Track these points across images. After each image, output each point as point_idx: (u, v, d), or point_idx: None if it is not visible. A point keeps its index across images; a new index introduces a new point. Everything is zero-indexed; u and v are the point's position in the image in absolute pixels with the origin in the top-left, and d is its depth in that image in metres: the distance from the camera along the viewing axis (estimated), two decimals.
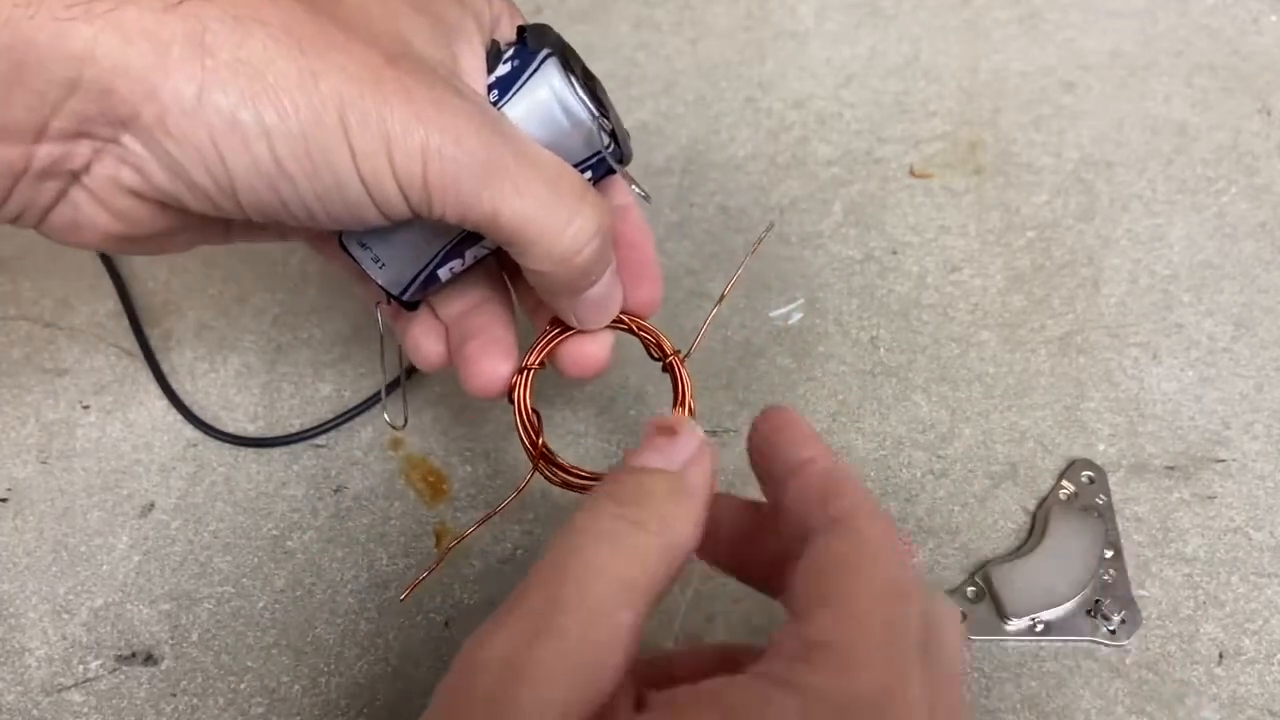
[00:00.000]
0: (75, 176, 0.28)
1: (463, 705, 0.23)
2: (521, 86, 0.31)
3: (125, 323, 0.47)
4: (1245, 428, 0.43)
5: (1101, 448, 0.42)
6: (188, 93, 0.26)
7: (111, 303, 0.48)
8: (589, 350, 0.36)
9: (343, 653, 0.39)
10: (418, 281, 0.33)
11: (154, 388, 0.46)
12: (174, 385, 0.46)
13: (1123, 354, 0.45)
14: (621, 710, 0.24)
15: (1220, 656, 0.38)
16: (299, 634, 0.40)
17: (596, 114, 0.31)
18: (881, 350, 0.46)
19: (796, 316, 0.46)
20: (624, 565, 0.25)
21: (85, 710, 0.38)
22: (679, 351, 0.36)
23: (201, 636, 0.40)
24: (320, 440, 0.44)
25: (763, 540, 0.30)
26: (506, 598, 0.24)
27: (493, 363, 0.35)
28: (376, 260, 0.33)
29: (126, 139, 0.27)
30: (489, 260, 0.35)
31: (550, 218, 0.30)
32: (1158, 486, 0.41)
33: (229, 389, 0.46)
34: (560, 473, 0.34)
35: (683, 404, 0.35)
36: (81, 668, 0.39)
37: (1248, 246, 0.48)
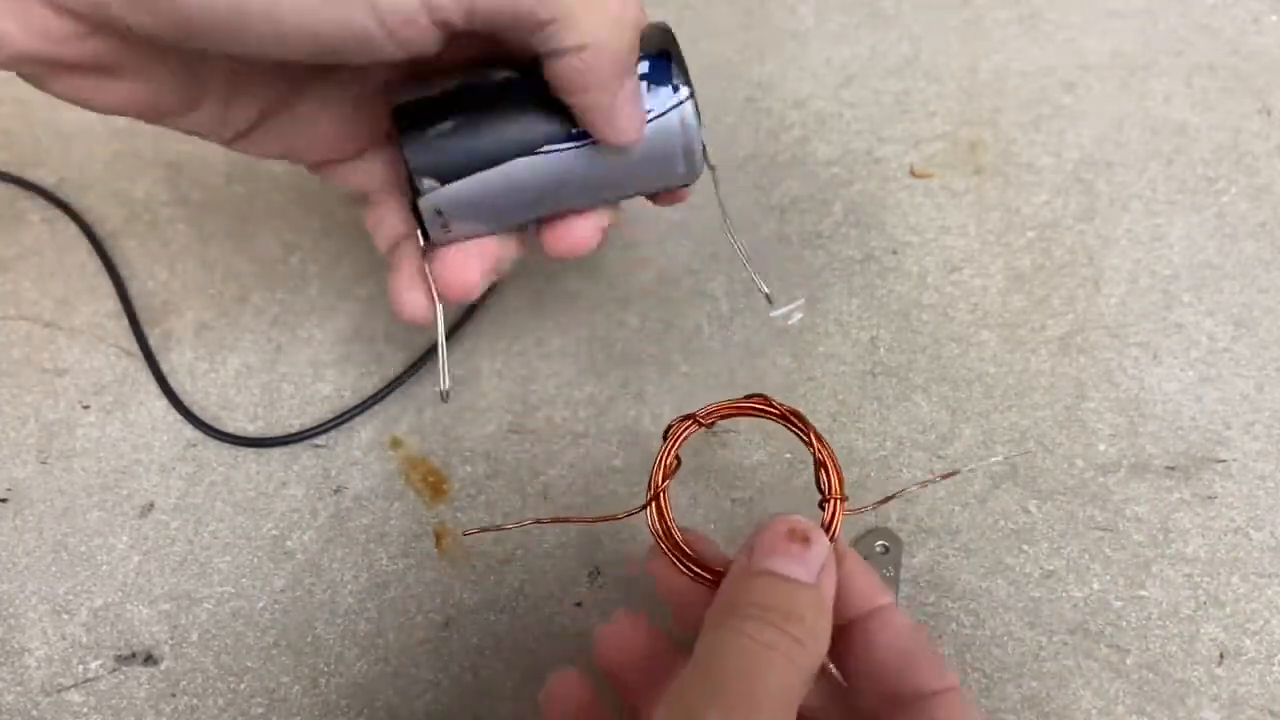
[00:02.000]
0: None
1: None
2: (659, 117, 0.32)
3: (125, 323, 0.47)
4: (1246, 428, 0.43)
5: (1102, 448, 0.42)
6: None
7: (111, 303, 0.48)
8: (581, 228, 0.34)
9: (343, 653, 0.39)
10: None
11: (154, 388, 0.46)
12: (174, 385, 0.46)
13: (1123, 354, 0.45)
14: None
15: (1221, 657, 0.38)
16: (299, 634, 0.40)
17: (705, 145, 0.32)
18: (881, 350, 0.46)
19: (797, 317, 0.46)
20: (791, 684, 0.26)
21: (85, 710, 0.38)
22: (812, 428, 0.32)
23: (201, 636, 0.40)
24: (320, 440, 0.44)
25: None
26: (666, 697, 0.25)
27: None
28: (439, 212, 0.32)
29: None
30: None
31: (620, 31, 0.28)
32: (1158, 486, 0.41)
33: (229, 389, 0.46)
34: (691, 567, 0.32)
35: (835, 497, 0.31)
36: (81, 668, 0.39)
37: (1248, 246, 0.48)
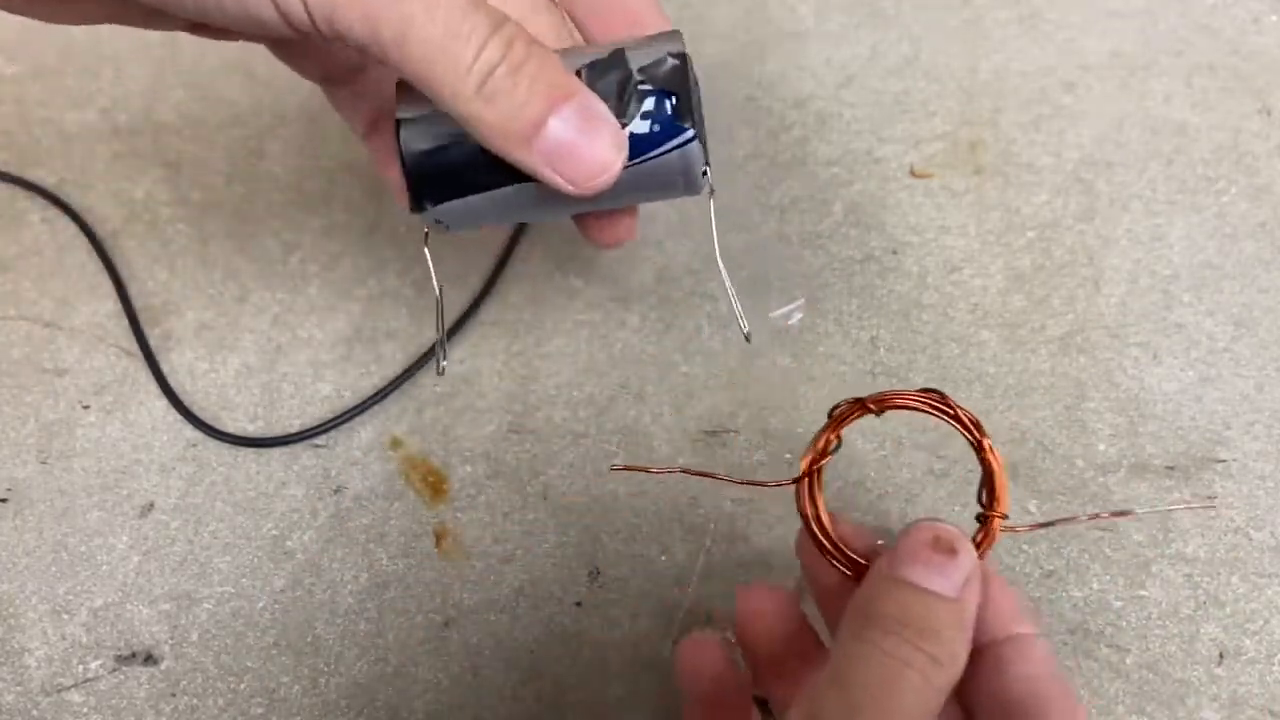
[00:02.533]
0: None
1: None
2: (656, 157, 0.31)
3: (125, 323, 0.47)
4: (1246, 428, 0.43)
5: (1102, 448, 0.42)
6: None
7: (111, 303, 0.48)
8: (625, 225, 0.34)
9: (343, 653, 0.39)
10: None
11: (154, 388, 0.46)
12: (174, 385, 0.46)
13: (1123, 354, 0.45)
14: None
15: (1221, 657, 0.38)
16: (299, 634, 0.40)
17: (709, 169, 0.31)
18: (881, 350, 0.45)
19: (797, 316, 0.46)
20: (926, 703, 0.25)
21: (85, 710, 0.38)
22: (988, 437, 0.31)
23: (201, 636, 0.40)
24: (320, 440, 0.44)
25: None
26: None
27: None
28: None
29: None
30: None
31: (460, 45, 0.27)
32: (1158, 487, 0.41)
33: (229, 389, 0.46)
34: (836, 555, 0.31)
35: (996, 514, 0.30)
36: (81, 668, 0.39)
37: (1248, 246, 0.48)
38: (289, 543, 0.42)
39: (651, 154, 0.31)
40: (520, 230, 0.49)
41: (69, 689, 0.39)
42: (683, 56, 0.31)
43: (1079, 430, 0.43)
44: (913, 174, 0.51)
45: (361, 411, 0.45)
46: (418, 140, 0.31)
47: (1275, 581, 0.39)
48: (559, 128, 0.28)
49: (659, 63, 0.31)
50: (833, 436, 0.31)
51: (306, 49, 0.35)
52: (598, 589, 0.41)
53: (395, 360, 0.46)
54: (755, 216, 0.50)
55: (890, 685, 0.25)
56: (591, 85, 0.30)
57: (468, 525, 0.42)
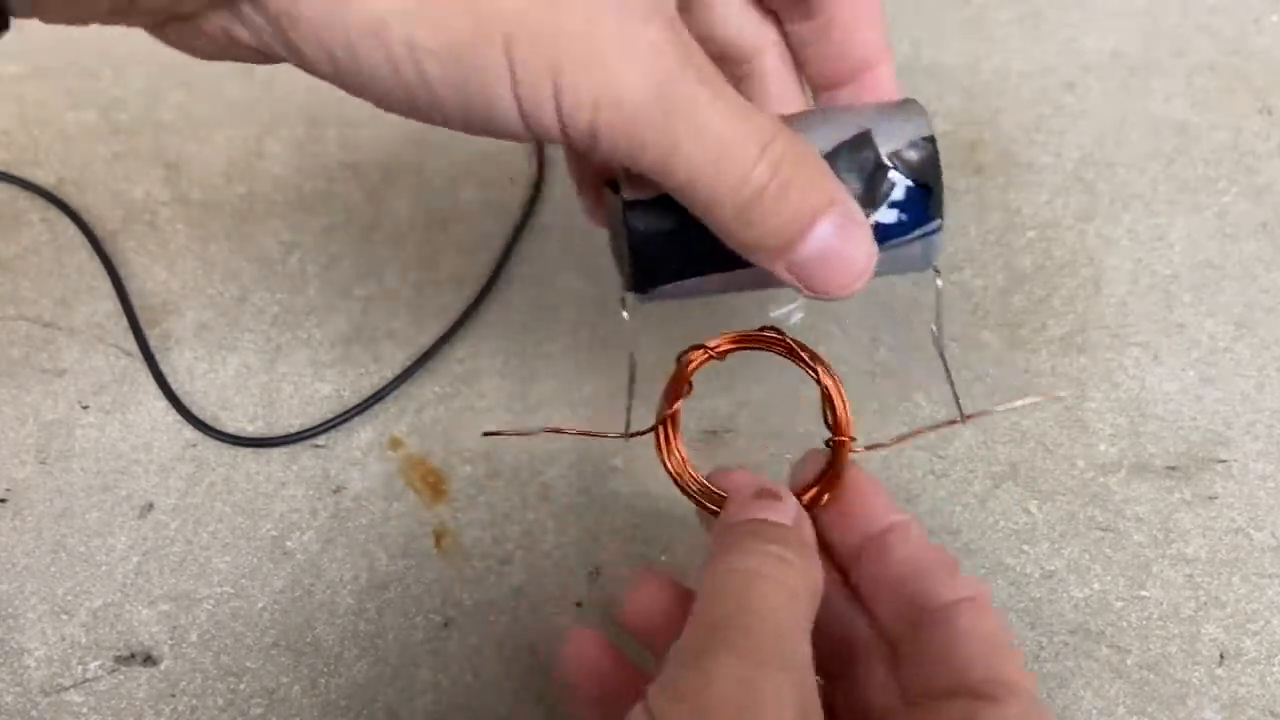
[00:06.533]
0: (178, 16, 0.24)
1: None
2: (897, 246, 0.29)
3: (124, 323, 0.47)
4: (1246, 428, 0.43)
5: (1102, 448, 0.42)
6: None
7: (110, 303, 0.48)
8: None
9: (342, 653, 0.39)
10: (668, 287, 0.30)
11: (153, 388, 0.46)
12: (173, 385, 0.46)
13: (1123, 354, 0.45)
14: None
15: (1221, 657, 0.38)
16: (298, 635, 0.40)
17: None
18: (881, 350, 0.45)
19: (797, 316, 0.46)
20: (784, 604, 0.26)
21: (84, 711, 0.38)
22: (823, 364, 0.32)
23: (201, 637, 0.40)
24: (320, 440, 0.44)
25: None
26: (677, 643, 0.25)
27: None
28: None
29: (247, 8, 0.23)
30: None
31: (728, 167, 0.25)
32: (1159, 487, 0.41)
33: (228, 389, 0.46)
34: (696, 495, 0.32)
35: (844, 436, 0.32)
36: (80, 668, 0.39)
37: (1249, 246, 0.48)
38: (288, 543, 0.42)
39: (893, 242, 0.29)
40: (520, 230, 0.49)
41: (68, 689, 0.39)
42: (932, 140, 0.29)
43: (1079, 430, 0.43)
44: None
45: (361, 411, 0.44)
46: (648, 224, 0.29)
47: (1276, 581, 0.39)
48: (816, 241, 0.27)
49: (910, 146, 0.29)
50: (684, 385, 0.32)
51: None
52: (598, 589, 0.41)
53: (395, 360, 0.46)
54: None
55: (747, 592, 0.26)
56: (839, 172, 0.28)
57: (467, 525, 0.42)
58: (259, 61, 0.26)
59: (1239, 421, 0.43)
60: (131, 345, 0.47)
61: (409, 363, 0.46)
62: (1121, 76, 0.54)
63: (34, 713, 0.38)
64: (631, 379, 0.33)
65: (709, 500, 0.32)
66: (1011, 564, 0.40)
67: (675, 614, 0.31)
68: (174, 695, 0.39)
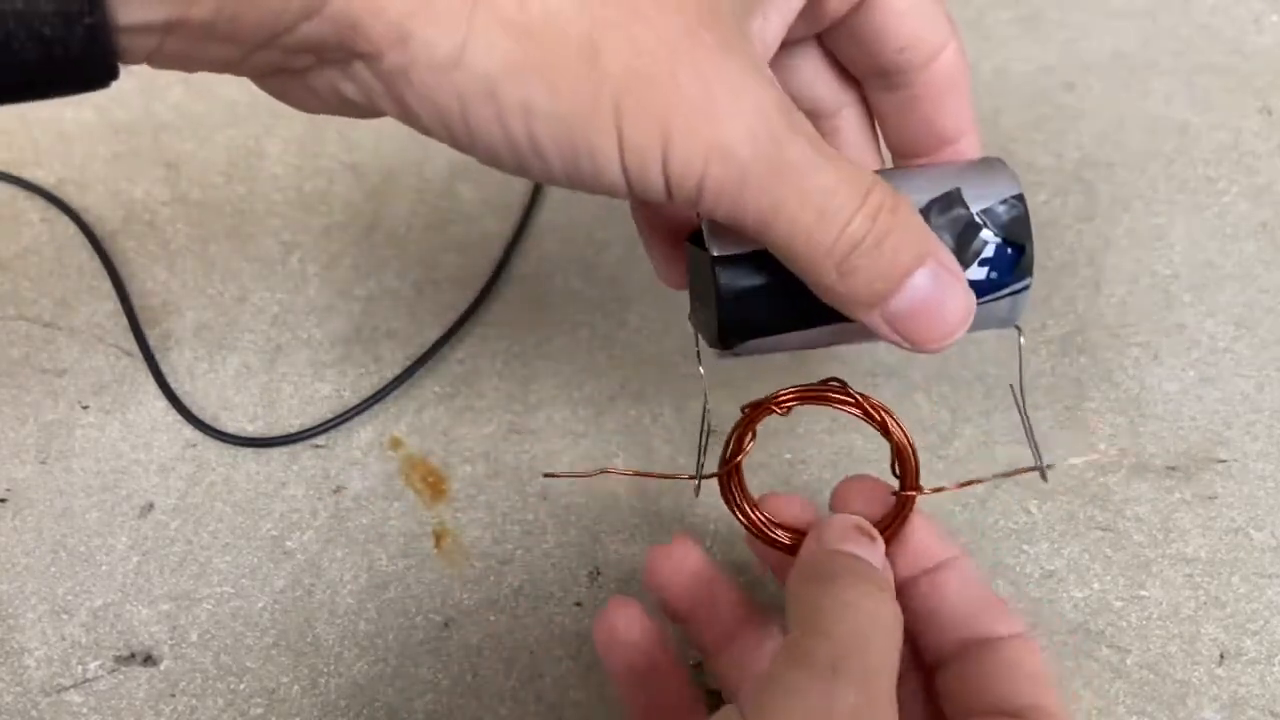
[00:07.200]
0: (289, 72, 0.24)
1: None
2: (986, 303, 0.29)
3: (124, 323, 0.47)
4: (1246, 428, 0.43)
5: (1102, 447, 0.42)
6: (444, 48, 0.22)
7: (110, 303, 0.48)
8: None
9: (342, 653, 0.39)
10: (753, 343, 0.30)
11: (153, 388, 0.46)
12: (173, 385, 0.46)
13: (1123, 354, 0.45)
14: None
15: (1221, 657, 0.38)
16: (298, 634, 0.40)
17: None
18: (882, 350, 0.45)
19: None
20: (896, 646, 0.27)
21: (84, 711, 0.38)
22: (891, 415, 0.32)
23: (201, 637, 0.40)
24: (320, 440, 0.44)
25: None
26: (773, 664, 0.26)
27: None
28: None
29: (359, 66, 0.23)
30: None
31: (828, 220, 0.25)
32: (1158, 487, 0.41)
33: (228, 389, 0.46)
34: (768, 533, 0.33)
35: (911, 489, 0.32)
36: (80, 668, 0.39)
37: (1249, 246, 0.48)
38: (289, 543, 0.42)
39: (983, 300, 0.29)
40: (521, 230, 0.49)
41: (68, 689, 0.39)
42: (1022, 199, 0.29)
43: (1079, 430, 0.43)
44: None
45: (361, 411, 0.44)
46: (738, 280, 0.28)
47: (1276, 581, 0.39)
48: (912, 291, 0.27)
49: (1001, 204, 0.29)
50: (748, 434, 0.32)
51: None
52: (598, 589, 0.41)
53: (395, 360, 0.46)
54: None
55: (862, 626, 0.26)
56: (931, 226, 0.28)
57: (467, 525, 0.42)
58: (361, 116, 0.26)
59: (1239, 421, 0.43)
60: (131, 345, 0.47)
61: (409, 363, 0.46)
62: (1121, 76, 0.54)
63: (34, 713, 0.38)
64: (704, 432, 0.33)
65: (782, 536, 0.32)
66: (1011, 564, 0.40)
67: (700, 585, 0.32)
68: (174, 695, 0.39)
